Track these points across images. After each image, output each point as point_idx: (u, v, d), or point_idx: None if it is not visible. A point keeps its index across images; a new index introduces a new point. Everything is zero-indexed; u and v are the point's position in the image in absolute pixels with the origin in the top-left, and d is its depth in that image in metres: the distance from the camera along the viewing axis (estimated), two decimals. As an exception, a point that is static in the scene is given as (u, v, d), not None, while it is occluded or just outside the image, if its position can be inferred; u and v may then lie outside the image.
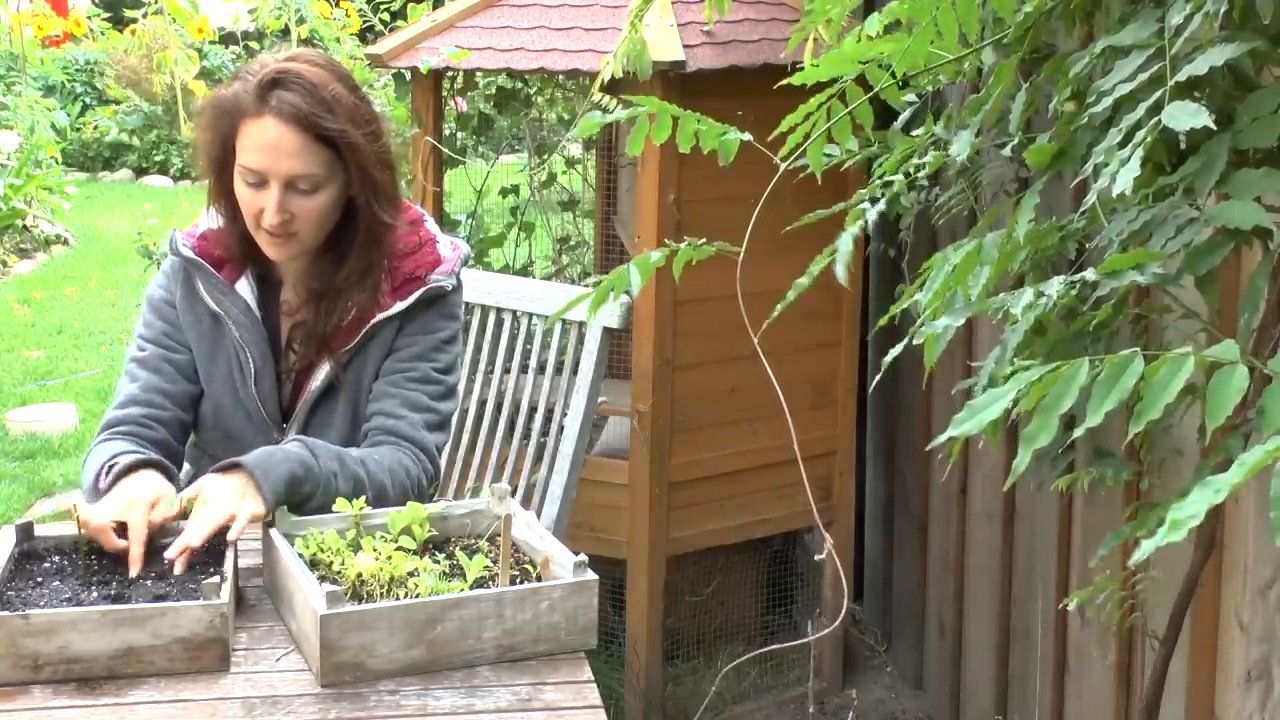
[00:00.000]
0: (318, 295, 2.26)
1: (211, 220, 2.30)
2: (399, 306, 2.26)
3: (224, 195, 2.24)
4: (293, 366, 2.30)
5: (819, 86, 1.85)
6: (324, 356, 2.27)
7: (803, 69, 1.84)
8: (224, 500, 1.97)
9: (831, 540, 2.34)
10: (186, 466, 2.40)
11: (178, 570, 1.89)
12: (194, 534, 1.92)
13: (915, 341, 1.68)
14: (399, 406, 2.24)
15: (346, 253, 2.24)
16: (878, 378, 1.92)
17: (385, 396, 2.26)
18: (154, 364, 2.29)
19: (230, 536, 1.92)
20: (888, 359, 1.71)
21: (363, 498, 2.02)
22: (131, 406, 2.25)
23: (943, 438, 1.41)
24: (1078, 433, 1.31)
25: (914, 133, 2.18)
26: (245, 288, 2.28)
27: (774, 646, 2.96)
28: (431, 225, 2.35)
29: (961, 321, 1.62)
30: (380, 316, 2.25)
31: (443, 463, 2.38)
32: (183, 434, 2.30)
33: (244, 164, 2.16)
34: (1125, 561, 2.22)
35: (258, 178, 2.15)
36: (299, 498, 2.04)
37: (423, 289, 2.26)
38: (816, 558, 2.43)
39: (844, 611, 2.24)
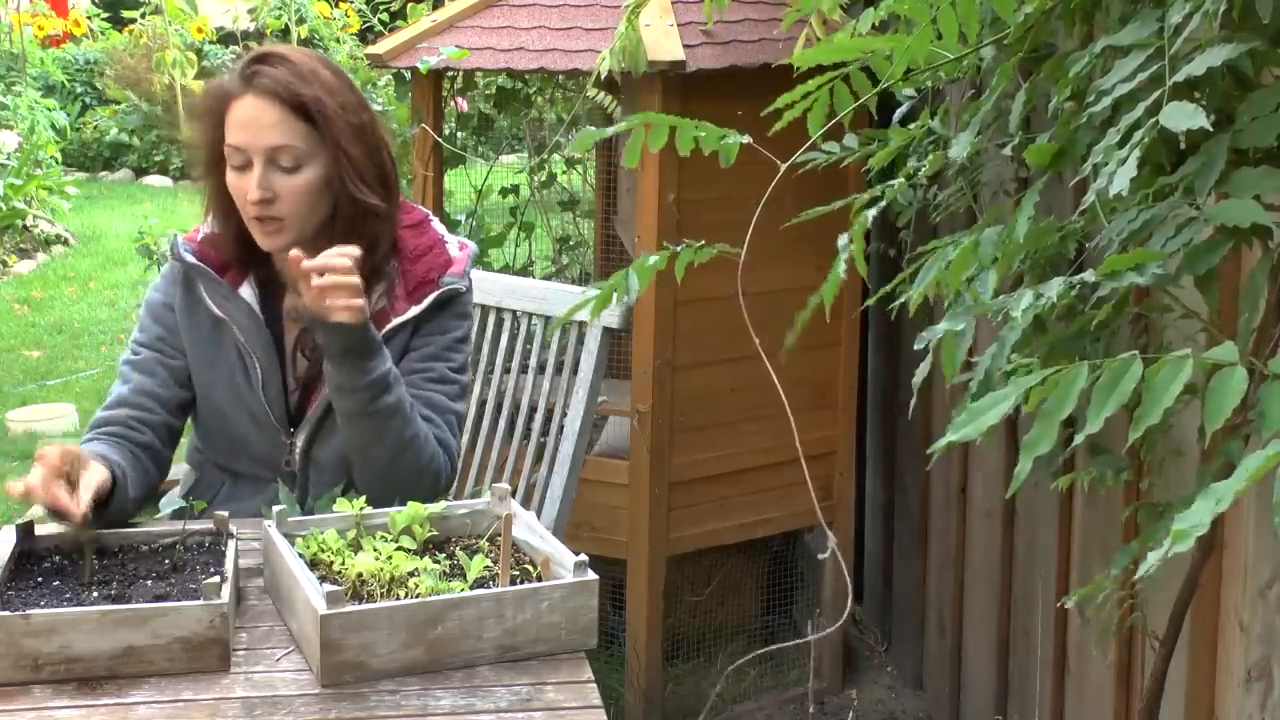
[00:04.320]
0: None
1: (213, 225, 2.30)
2: (413, 311, 2.25)
3: (221, 195, 2.24)
4: (301, 374, 2.29)
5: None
6: None
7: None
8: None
9: (835, 538, 2.34)
10: (186, 468, 2.40)
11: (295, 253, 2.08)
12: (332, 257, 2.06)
13: (917, 347, 1.68)
14: (421, 408, 2.23)
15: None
16: (912, 403, 1.88)
17: None
18: (147, 367, 2.28)
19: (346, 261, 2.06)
20: (916, 380, 1.69)
21: (400, 438, 2.13)
22: (120, 408, 2.24)
23: (942, 443, 1.41)
24: (1078, 439, 1.31)
25: (910, 126, 2.17)
26: (248, 292, 2.27)
27: (774, 646, 2.95)
28: (438, 226, 2.34)
29: (962, 326, 1.61)
30: (395, 321, 2.24)
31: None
32: (171, 439, 2.28)
33: (230, 143, 2.17)
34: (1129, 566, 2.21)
35: (242, 157, 2.16)
36: (370, 366, 2.12)
37: (437, 292, 2.26)
38: (820, 556, 2.43)
39: (846, 612, 2.24)
